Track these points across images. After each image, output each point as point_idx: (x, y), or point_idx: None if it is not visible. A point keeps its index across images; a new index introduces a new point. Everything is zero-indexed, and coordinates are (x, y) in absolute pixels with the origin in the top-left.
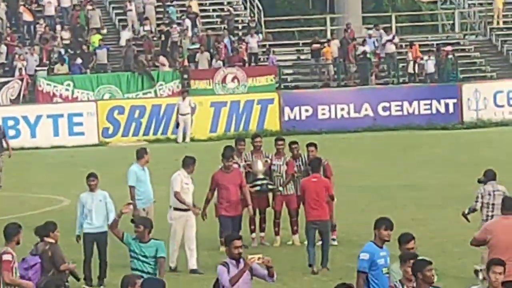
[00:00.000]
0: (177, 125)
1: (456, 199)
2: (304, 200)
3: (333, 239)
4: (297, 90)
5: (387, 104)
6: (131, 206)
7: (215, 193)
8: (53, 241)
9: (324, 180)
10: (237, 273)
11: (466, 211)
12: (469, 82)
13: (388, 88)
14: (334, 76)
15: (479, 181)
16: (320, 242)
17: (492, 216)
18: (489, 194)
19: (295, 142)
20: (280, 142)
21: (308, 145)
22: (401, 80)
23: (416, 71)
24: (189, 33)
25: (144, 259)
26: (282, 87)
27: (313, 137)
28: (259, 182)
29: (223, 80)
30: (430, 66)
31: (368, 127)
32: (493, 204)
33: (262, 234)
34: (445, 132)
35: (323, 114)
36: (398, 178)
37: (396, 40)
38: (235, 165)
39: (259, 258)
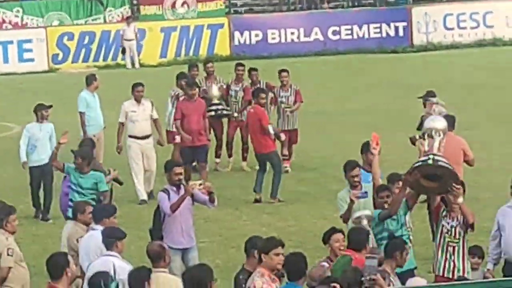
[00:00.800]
0: (123, 51)
1: (404, 123)
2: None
3: (285, 167)
4: (247, 15)
5: (337, 28)
6: (67, 136)
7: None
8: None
9: (258, 112)
10: (178, 200)
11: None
12: (419, 5)
13: (337, 12)
14: (285, 0)
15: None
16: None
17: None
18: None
19: (255, 69)
20: (240, 68)
21: (280, 71)
22: (350, 4)
23: None
24: None
25: (81, 190)
26: (232, 11)
27: (263, 61)
28: (213, 108)
29: (173, 5)
30: None
31: (318, 51)
32: None
33: (218, 160)
34: (395, 56)
35: (273, 38)
36: (348, 102)
37: None
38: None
39: (200, 184)
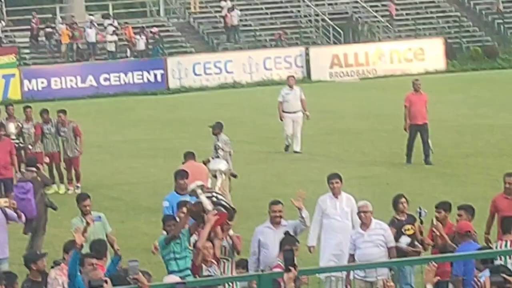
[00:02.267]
0: None
1: (163, 150)
2: None
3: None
4: (34, 66)
5: (107, 76)
6: None
7: None
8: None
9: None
10: None
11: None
12: (173, 56)
13: (108, 63)
14: (65, 54)
15: (213, 133)
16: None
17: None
18: (225, 143)
19: (45, 110)
20: (28, 109)
21: (58, 112)
22: (119, 56)
23: (131, 48)
24: None
25: None
26: (22, 64)
27: (48, 103)
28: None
29: None
30: (141, 44)
31: (93, 94)
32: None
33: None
34: (155, 97)
35: (56, 85)
36: (117, 135)
37: (116, 23)
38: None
39: (5, 202)
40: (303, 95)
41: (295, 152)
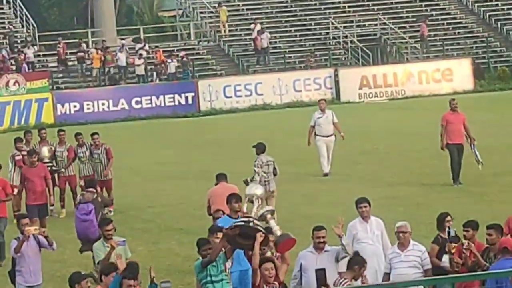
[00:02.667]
0: None
1: (194, 172)
2: None
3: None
4: (67, 90)
5: (139, 99)
6: None
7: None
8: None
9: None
10: (18, 243)
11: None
12: (203, 79)
13: (139, 86)
14: (96, 78)
15: (257, 153)
16: None
17: (267, 181)
18: (266, 165)
19: (80, 133)
20: (62, 133)
21: (92, 134)
22: (149, 79)
23: (162, 71)
24: None
25: None
26: (54, 88)
27: (80, 127)
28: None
29: (6, 84)
30: (172, 67)
31: (125, 117)
32: (267, 173)
33: (52, 207)
34: (186, 119)
35: (88, 108)
36: (148, 157)
37: (147, 47)
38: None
39: (35, 229)
40: (335, 118)
41: (325, 174)
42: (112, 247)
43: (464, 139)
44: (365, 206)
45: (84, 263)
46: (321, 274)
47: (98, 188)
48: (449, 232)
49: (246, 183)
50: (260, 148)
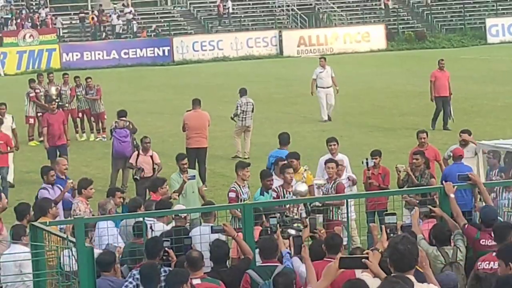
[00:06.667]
0: None
1: (169, 108)
2: None
3: None
4: (71, 43)
5: (127, 51)
6: None
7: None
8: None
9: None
10: (59, 195)
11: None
12: (177, 36)
13: (127, 41)
14: (94, 33)
15: (240, 95)
16: None
17: (245, 118)
18: (245, 104)
19: (77, 77)
20: (66, 76)
21: (86, 78)
22: (137, 36)
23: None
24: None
25: None
26: (61, 40)
27: (81, 71)
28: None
29: (24, 37)
30: (153, 26)
31: (115, 65)
32: (246, 111)
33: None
34: (163, 67)
35: (87, 57)
36: (133, 96)
37: (133, 11)
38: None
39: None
40: (333, 73)
41: (328, 119)
42: (184, 181)
43: (448, 92)
44: (334, 144)
45: None
46: (313, 220)
47: (92, 118)
48: (367, 163)
49: (232, 118)
50: (242, 91)
